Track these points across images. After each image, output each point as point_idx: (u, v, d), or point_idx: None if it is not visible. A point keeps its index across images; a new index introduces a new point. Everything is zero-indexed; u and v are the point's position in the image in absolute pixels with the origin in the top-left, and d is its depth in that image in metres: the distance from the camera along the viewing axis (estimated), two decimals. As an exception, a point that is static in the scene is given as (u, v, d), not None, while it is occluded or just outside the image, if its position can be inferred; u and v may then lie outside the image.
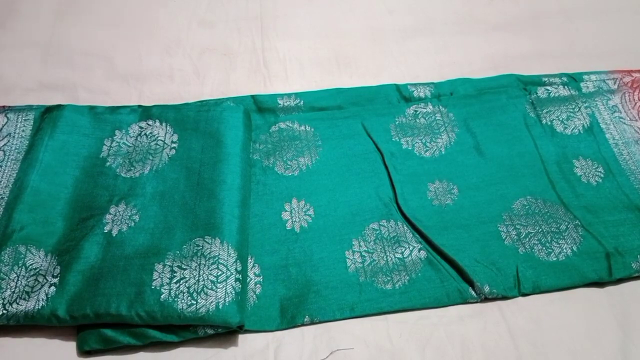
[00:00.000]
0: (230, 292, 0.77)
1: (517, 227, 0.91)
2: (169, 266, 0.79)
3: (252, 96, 1.07)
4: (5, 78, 1.09)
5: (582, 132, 1.05)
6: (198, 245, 0.81)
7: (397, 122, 1.05)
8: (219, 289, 0.76)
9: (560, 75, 1.14)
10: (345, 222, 0.91)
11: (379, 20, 1.27)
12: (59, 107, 0.99)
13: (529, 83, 1.12)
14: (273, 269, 0.85)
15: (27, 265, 0.79)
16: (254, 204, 0.92)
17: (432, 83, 1.12)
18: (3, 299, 0.75)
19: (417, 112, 1.06)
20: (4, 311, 0.74)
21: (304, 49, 1.20)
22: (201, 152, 0.93)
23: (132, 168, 0.92)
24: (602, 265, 0.86)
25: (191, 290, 0.76)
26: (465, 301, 0.83)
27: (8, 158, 0.92)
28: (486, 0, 1.32)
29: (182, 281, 0.77)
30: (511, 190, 0.96)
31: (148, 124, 0.98)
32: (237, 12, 1.26)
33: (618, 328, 0.80)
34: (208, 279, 0.77)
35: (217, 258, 0.79)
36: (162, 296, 0.75)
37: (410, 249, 0.88)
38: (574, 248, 0.88)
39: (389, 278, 0.84)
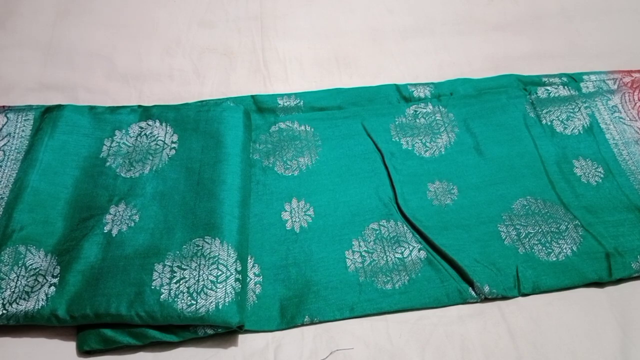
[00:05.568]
0: (230, 292, 0.77)
1: (517, 227, 0.91)
2: (169, 266, 0.79)
3: (252, 96, 1.07)
4: (5, 78, 1.09)
5: (582, 132, 1.05)
6: (198, 246, 0.81)
7: (397, 122, 1.05)
8: (218, 289, 0.76)
9: (560, 76, 1.14)
10: (345, 222, 0.91)
11: (379, 20, 1.27)
12: (59, 107, 0.99)
13: (529, 83, 1.12)
14: (273, 269, 0.85)
15: (27, 265, 0.79)
16: (254, 204, 0.92)
17: (432, 83, 1.11)
18: (3, 299, 0.75)
19: (417, 112, 1.06)
20: (4, 311, 0.74)
21: (304, 49, 1.20)
22: (201, 152, 0.93)
23: (132, 168, 0.92)
24: (602, 265, 0.86)
25: (191, 290, 0.76)
26: (465, 301, 0.83)
27: (8, 158, 0.92)
28: (486, 0, 1.32)
29: (182, 281, 0.77)
30: (511, 190, 0.96)
31: (148, 124, 0.98)
32: (237, 12, 1.26)
33: (618, 328, 0.80)
34: (208, 279, 0.77)
35: (217, 258, 0.79)
36: (162, 296, 0.76)
37: (410, 249, 0.88)
38: (574, 248, 0.88)
39: (388, 278, 0.84)
